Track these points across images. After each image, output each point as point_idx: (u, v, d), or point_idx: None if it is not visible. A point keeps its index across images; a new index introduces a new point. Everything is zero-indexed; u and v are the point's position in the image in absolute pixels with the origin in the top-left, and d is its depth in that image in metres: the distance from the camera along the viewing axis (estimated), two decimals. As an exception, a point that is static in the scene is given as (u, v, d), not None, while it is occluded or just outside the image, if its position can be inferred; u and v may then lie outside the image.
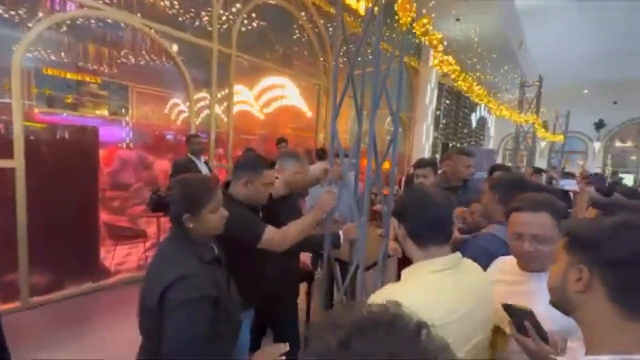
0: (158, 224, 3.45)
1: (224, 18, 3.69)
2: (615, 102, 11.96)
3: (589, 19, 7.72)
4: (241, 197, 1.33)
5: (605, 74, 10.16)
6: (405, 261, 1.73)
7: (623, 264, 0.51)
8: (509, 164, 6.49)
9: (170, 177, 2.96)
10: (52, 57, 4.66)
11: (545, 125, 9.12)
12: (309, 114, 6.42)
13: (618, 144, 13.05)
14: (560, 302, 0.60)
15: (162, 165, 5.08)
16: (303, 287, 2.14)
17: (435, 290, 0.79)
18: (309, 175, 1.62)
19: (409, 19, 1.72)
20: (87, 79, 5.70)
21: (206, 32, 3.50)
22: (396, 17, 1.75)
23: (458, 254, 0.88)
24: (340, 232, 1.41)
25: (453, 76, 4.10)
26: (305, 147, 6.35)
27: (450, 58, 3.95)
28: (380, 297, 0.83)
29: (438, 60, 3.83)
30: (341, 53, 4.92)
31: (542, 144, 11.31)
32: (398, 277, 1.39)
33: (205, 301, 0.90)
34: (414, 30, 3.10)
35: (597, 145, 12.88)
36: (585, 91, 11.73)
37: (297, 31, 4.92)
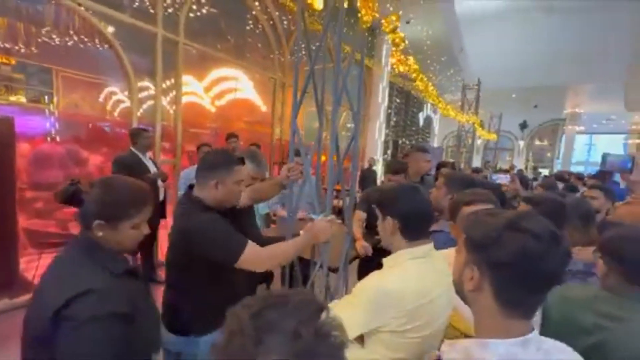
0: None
1: (168, 1, 3.39)
2: (535, 106, 13.74)
3: (516, 33, 8.71)
4: (212, 202, 1.18)
5: (528, 80, 11.57)
6: (367, 260, 1.78)
7: (505, 265, 0.53)
8: (452, 160, 7.10)
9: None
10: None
11: (481, 125, 10.11)
12: (264, 108, 6.24)
13: (537, 142, 15.05)
14: (460, 295, 0.64)
15: (97, 161, 4.54)
16: (261, 288, 2.08)
17: (416, 276, 0.86)
18: (270, 182, 1.47)
19: (371, 17, 1.73)
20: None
21: (149, 15, 3.18)
22: (359, 15, 1.75)
23: (432, 243, 0.95)
24: (302, 231, 1.38)
25: (413, 75, 4.30)
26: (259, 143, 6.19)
27: (410, 58, 4.12)
28: (367, 285, 0.89)
29: (396, 60, 3.97)
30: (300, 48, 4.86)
31: (478, 141, 12.55)
32: (359, 277, 1.41)
33: (115, 319, 0.75)
34: (383, 29, 3.17)
35: (522, 143, 14.72)
36: (513, 95, 13.26)
37: (250, 22, 4.73)
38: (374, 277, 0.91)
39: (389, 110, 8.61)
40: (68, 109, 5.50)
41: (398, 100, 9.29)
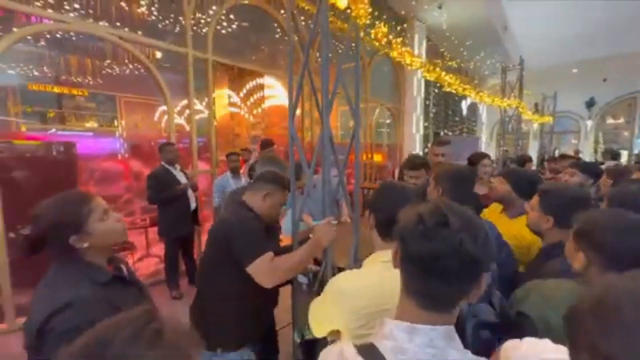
0: (146, 235, 3.43)
1: (202, 22, 3.65)
2: (604, 80, 11.92)
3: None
4: (256, 209, 1.29)
5: (592, 51, 10.11)
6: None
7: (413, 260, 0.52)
8: (504, 149, 6.46)
9: (148, 189, 2.89)
10: (36, 73, 4.65)
11: (536, 107, 9.10)
12: (297, 112, 6.38)
13: (610, 120, 13.03)
14: None
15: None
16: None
17: (378, 279, 0.82)
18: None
19: (362, 11, 1.68)
20: (74, 91, 5.66)
21: (181, 38, 3.47)
22: (348, 11, 1.70)
23: None
24: (311, 235, 1.38)
25: (414, 68, 4.04)
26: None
27: (408, 50, 3.84)
28: (332, 281, 0.89)
29: (397, 53, 3.75)
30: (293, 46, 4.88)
31: (535, 126, 11.29)
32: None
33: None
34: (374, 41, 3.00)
35: (589, 123, 12.87)
36: (575, 70, 11.70)
37: (278, 30, 4.88)
38: (341, 274, 0.91)
39: (427, 102, 8.19)
40: (129, 129, 6.23)
41: (437, 91, 8.80)
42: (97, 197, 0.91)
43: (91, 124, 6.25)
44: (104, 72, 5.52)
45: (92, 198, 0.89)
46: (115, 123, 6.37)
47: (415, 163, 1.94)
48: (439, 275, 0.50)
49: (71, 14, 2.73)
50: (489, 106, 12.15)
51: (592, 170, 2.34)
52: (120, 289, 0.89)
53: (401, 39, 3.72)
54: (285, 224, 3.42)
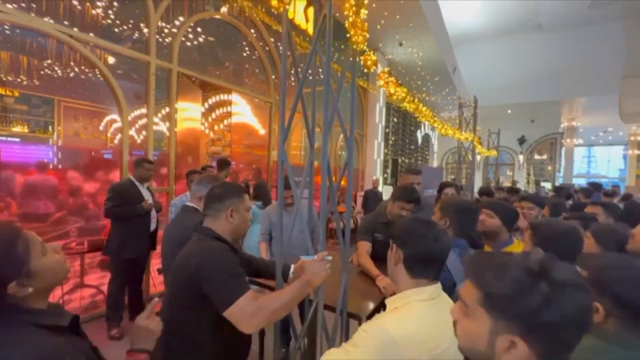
0: (82, 261, 2.93)
1: (166, 31, 3.44)
2: (532, 121, 13.84)
3: (509, 49, 8.93)
4: (226, 234, 1.12)
5: (523, 96, 11.72)
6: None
7: (557, 326, 0.46)
8: (452, 177, 6.99)
9: (107, 200, 2.56)
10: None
11: (479, 142, 10.12)
12: (262, 131, 6.26)
13: (537, 156, 15.03)
14: None
15: (91, 190, 4.46)
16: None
17: (425, 321, 0.77)
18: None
19: (361, 37, 1.70)
20: (1, 91, 4.90)
21: (143, 45, 3.21)
22: (347, 35, 1.71)
23: (439, 284, 0.87)
24: (292, 265, 1.25)
25: (399, 98, 4.31)
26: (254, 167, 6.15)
27: (391, 80, 4.13)
28: (370, 331, 0.78)
29: (384, 82, 3.98)
30: (293, 72, 4.92)
31: (478, 157, 12.54)
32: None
33: None
34: (362, 66, 3.13)
35: (521, 157, 14.69)
36: (509, 111, 13.40)
37: (247, 48, 4.83)
38: (376, 321, 0.81)
39: (387, 130, 8.64)
40: (69, 138, 5.51)
41: (395, 120, 9.35)
42: (23, 228, 0.73)
43: (20, 128, 5.44)
44: (42, 72, 4.90)
45: (21, 230, 0.71)
46: (50, 129, 5.62)
47: (413, 197, 1.92)
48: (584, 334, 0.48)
49: (9, 5, 2.37)
50: (441, 137, 13.26)
51: (540, 202, 2.63)
52: (76, 337, 0.73)
53: (379, 69, 3.90)
54: (248, 239, 3.18)
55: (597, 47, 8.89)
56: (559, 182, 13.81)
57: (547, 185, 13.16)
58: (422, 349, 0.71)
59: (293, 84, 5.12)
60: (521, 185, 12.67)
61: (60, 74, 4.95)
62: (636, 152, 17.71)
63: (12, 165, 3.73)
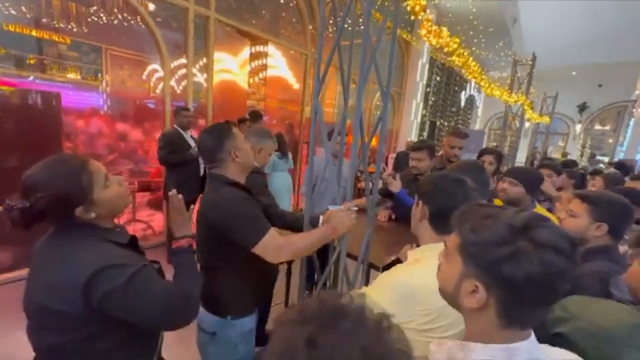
0: (133, 199, 3.29)
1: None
2: (600, 85, 12.11)
3: (580, 1, 7.55)
4: (237, 175, 1.17)
5: (593, 57, 10.16)
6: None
7: (520, 285, 0.47)
8: (494, 144, 6.51)
9: (160, 149, 2.84)
10: (12, 12, 4.18)
11: (532, 106, 9.17)
12: (296, 86, 6.15)
13: (597, 127, 13.37)
14: (450, 303, 0.59)
15: (139, 137, 4.80)
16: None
17: None
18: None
19: None
20: (54, 37, 5.18)
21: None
22: None
23: None
24: (321, 216, 1.32)
25: (446, 50, 3.91)
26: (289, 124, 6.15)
27: (444, 29, 3.72)
28: (391, 279, 0.84)
29: (426, 31, 3.59)
30: (332, 21, 4.62)
31: (527, 124, 11.46)
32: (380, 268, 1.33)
33: (147, 268, 0.80)
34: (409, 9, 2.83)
35: (579, 127, 13.18)
36: (573, 73, 11.78)
37: (284, -6, 4.57)
38: (398, 270, 0.86)
39: (428, 89, 8.07)
40: (115, 86, 5.84)
41: (438, 78, 8.66)
42: (93, 161, 0.83)
43: (73, 75, 5.81)
44: (89, 19, 5.05)
45: (89, 163, 0.81)
46: (100, 77, 5.94)
47: (419, 143, 2.02)
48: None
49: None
50: (487, 100, 12.16)
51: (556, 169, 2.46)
52: (133, 253, 0.86)
53: (428, 17, 3.53)
54: (271, 185, 3.38)
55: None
56: (619, 157, 12.37)
57: (604, 159, 11.88)
58: (438, 297, 0.76)
59: (331, 35, 4.83)
60: (574, 157, 11.56)
61: (105, 22, 5.07)
62: None
63: (70, 111, 4.08)
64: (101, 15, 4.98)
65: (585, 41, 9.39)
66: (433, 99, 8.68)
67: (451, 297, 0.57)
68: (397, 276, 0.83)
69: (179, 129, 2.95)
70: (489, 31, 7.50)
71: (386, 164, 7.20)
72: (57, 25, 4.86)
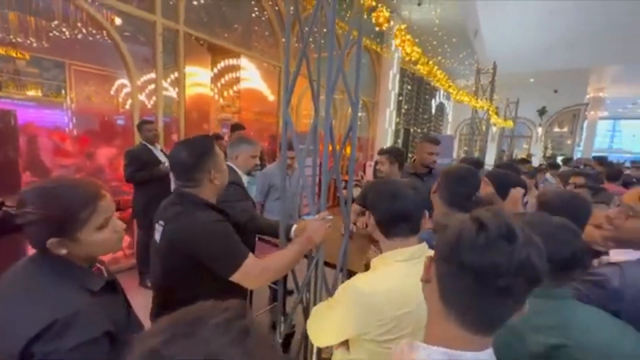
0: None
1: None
2: (555, 91, 13.07)
3: (536, 11, 8.20)
4: (212, 197, 1.07)
5: (548, 64, 10.97)
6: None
7: (443, 258, 0.49)
8: (465, 149, 6.83)
9: (126, 167, 2.70)
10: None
11: (496, 112, 9.71)
12: (271, 97, 6.16)
13: (556, 129, 14.37)
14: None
15: (109, 153, 4.59)
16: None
17: (400, 279, 0.80)
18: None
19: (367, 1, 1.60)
20: (12, 53, 4.90)
21: (149, 4, 3.11)
22: None
23: (425, 245, 0.89)
24: (295, 225, 1.31)
25: (413, 58, 4.09)
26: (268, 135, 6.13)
27: (409, 39, 3.90)
28: (350, 287, 0.84)
29: (400, 40, 3.74)
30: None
31: (493, 129, 12.10)
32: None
33: (101, 342, 0.66)
34: (374, 22, 2.96)
35: (540, 130, 14.09)
36: (531, 80, 12.64)
37: (256, 9, 4.61)
38: (357, 279, 0.86)
39: (400, 98, 8.35)
40: (81, 102, 5.56)
41: (409, 87, 9.00)
42: (108, 197, 0.74)
43: (34, 92, 5.50)
44: (50, 34, 4.84)
45: (101, 199, 0.73)
46: (63, 93, 5.66)
47: (382, 149, 2.22)
48: (499, 291, 0.44)
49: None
50: (456, 107, 12.76)
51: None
52: (109, 295, 0.76)
53: (400, 27, 3.67)
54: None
55: (636, 9, 8.07)
56: (577, 156, 13.31)
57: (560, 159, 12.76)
58: (393, 306, 0.75)
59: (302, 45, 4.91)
60: (537, 158, 12.30)
61: (68, 36, 4.88)
62: (665, 126, 16.72)
63: (30, 129, 3.84)
64: (63, 29, 4.78)
65: (541, 50, 10.16)
66: (406, 107, 8.98)
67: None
68: (354, 285, 0.83)
69: (146, 144, 2.84)
70: (453, 41, 7.93)
71: (364, 171, 7.30)
72: (14, 40, 4.61)
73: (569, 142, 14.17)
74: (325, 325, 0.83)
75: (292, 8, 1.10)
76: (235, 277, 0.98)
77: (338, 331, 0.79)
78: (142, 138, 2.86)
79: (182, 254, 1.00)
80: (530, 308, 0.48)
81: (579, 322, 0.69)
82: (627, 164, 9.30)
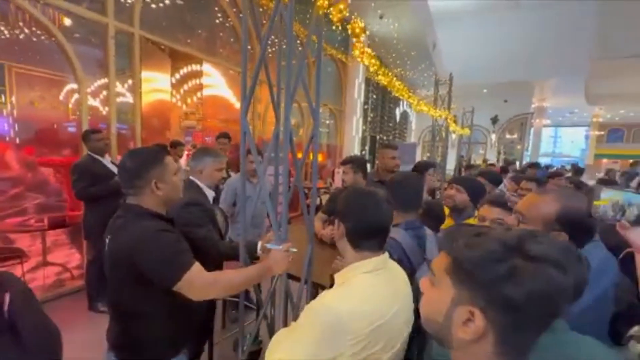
0: (43, 238, 2.80)
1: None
2: (505, 101, 14.24)
3: (487, 28, 8.95)
4: (156, 207, 1.03)
5: (498, 76, 11.96)
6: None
7: (521, 307, 0.42)
8: (427, 155, 7.19)
9: (75, 182, 2.42)
10: None
11: (455, 120, 10.33)
12: (237, 105, 6.02)
13: (507, 135, 15.63)
14: (437, 337, 0.51)
15: (53, 164, 4.18)
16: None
17: (369, 293, 0.78)
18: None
19: (325, 2, 1.62)
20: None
21: (100, 5, 2.92)
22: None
23: (386, 254, 0.87)
24: (260, 242, 1.26)
25: (372, 69, 4.23)
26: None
27: (368, 51, 4.03)
28: (316, 308, 0.78)
29: (359, 52, 3.86)
30: (270, 42, 4.68)
31: (453, 136, 12.84)
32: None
33: None
34: (331, 17, 3.01)
35: (494, 137, 15.23)
36: (485, 91, 13.66)
37: (219, 15, 4.52)
38: (323, 298, 0.81)
39: (366, 106, 8.59)
40: (24, 108, 5.05)
41: (375, 96, 9.29)
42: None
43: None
44: (-13, 33, 4.37)
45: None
46: (3, 99, 5.11)
47: (345, 158, 2.23)
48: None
49: None
50: (419, 115, 13.38)
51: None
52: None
53: (359, 39, 3.77)
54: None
55: (570, 28, 9.10)
56: (526, 160, 14.53)
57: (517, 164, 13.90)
58: (366, 322, 0.72)
59: (270, 55, 4.86)
60: (492, 162, 13.24)
61: (8, 36, 4.44)
62: (597, 133, 18.85)
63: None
64: (2, 28, 4.34)
65: (491, 63, 11.05)
66: (372, 115, 9.25)
67: (440, 329, 0.49)
68: (323, 303, 0.78)
69: (93, 155, 2.56)
70: (412, 54, 8.35)
71: (332, 179, 7.36)
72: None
73: (519, 147, 15.45)
74: (293, 353, 0.73)
75: (248, 11, 1.07)
76: (179, 287, 0.94)
77: (305, 351, 0.71)
78: (89, 149, 2.57)
79: (125, 266, 0.97)
80: None
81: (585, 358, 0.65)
82: (568, 167, 10.36)
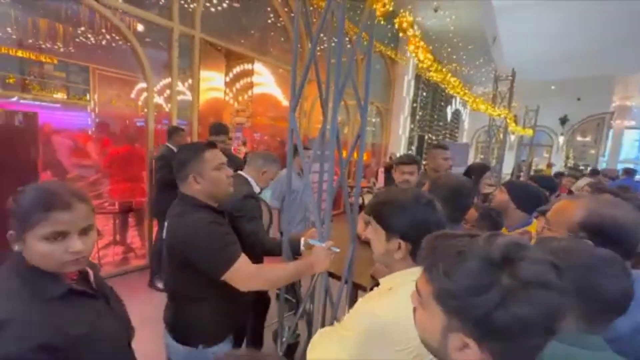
0: (114, 220, 3.17)
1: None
2: (579, 99, 12.60)
3: (559, 18, 7.97)
4: (203, 197, 1.10)
5: (571, 72, 10.63)
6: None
7: (515, 334, 0.40)
8: (481, 157, 6.67)
9: (159, 170, 2.76)
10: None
11: (515, 120, 9.44)
12: (285, 102, 6.20)
13: (579, 138, 13.82)
14: (437, 357, 0.50)
15: (126, 155, 4.70)
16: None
17: None
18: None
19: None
20: (42, 58, 5.14)
21: (168, 11, 3.20)
22: None
23: None
24: (302, 238, 1.28)
25: (426, 65, 4.03)
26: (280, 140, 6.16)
27: (424, 44, 3.84)
28: (361, 313, 0.76)
29: (414, 47, 3.69)
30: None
31: (512, 137, 11.75)
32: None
33: (32, 357, 0.59)
34: (376, 12, 2.91)
35: (562, 139, 13.59)
36: (553, 87, 12.25)
37: (271, 15, 4.67)
38: (369, 303, 0.77)
39: (415, 104, 8.25)
40: (103, 105, 5.77)
41: (425, 94, 8.88)
42: (66, 211, 0.69)
43: (60, 95, 5.74)
44: (77, 40, 5.06)
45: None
46: (87, 97, 5.88)
47: (408, 158, 2.07)
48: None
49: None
50: (472, 114, 12.50)
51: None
52: (75, 303, 0.71)
53: (415, 33, 3.62)
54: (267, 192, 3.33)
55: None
56: (601, 166, 12.74)
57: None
58: (407, 337, 0.66)
59: (319, 53, 4.91)
60: (558, 168, 11.83)
61: (93, 42, 5.08)
62: (699, 136, 15.81)
63: (54, 131, 3.99)
64: (89, 35, 4.99)
65: (563, 58, 9.85)
66: (420, 113, 8.86)
67: (437, 352, 0.48)
68: (368, 309, 0.75)
69: (172, 147, 2.87)
70: (469, 48, 7.78)
71: (376, 178, 7.21)
72: (43, 46, 4.83)
73: (592, 151, 13.59)
74: (330, 348, 0.74)
75: (303, 10, 1.08)
76: (226, 277, 1.00)
77: (349, 353, 0.69)
78: (173, 142, 2.89)
79: (179, 254, 1.05)
80: (560, 356, 0.45)
81: None
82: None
